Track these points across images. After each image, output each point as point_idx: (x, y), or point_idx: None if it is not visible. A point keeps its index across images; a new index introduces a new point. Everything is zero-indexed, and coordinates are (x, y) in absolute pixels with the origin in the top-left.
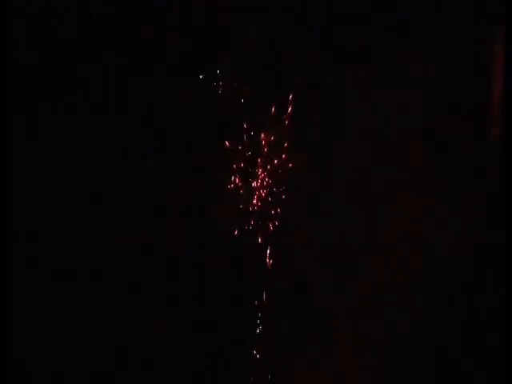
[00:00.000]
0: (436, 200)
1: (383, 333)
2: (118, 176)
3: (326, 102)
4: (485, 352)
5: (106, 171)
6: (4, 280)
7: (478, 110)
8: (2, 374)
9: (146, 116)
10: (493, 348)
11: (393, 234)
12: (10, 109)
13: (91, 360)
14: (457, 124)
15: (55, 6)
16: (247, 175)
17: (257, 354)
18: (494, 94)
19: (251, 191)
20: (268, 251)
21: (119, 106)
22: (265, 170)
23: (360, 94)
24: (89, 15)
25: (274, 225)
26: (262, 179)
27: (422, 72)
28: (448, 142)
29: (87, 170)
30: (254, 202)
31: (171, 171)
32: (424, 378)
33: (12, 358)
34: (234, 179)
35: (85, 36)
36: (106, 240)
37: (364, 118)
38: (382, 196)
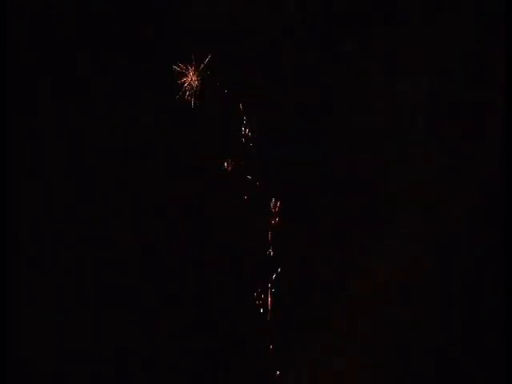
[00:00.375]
0: (436, 200)
1: (383, 332)
2: (117, 176)
3: (325, 102)
4: (485, 352)
5: (106, 171)
6: (4, 280)
7: (478, 110)
8: (1, 374)
9: (146, 116)
10: (493, 348)
11: (393, 233)
12: (9, 109)
13: (91, 360)
14: (457, 124)
15: (55, 6)
16: (245, 171)
17: (257, 353)
18: (494, 93)
19: (251, 187)
20: (268, 250)
21: (119, 105)
22: (263, 164)
23: (360, 94)
24: (89, 15)
25: (274, 221)
26: (261, 174)
27: (422, 72)
28: (448, 142)
29: (87, 170)
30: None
31: (171, 171)
32: (424, 377)
33: (12, 358)
34: (234, 174)
35: (85, 36)
36: (106, 240)
37: (364, 118)
38: (381, 197)
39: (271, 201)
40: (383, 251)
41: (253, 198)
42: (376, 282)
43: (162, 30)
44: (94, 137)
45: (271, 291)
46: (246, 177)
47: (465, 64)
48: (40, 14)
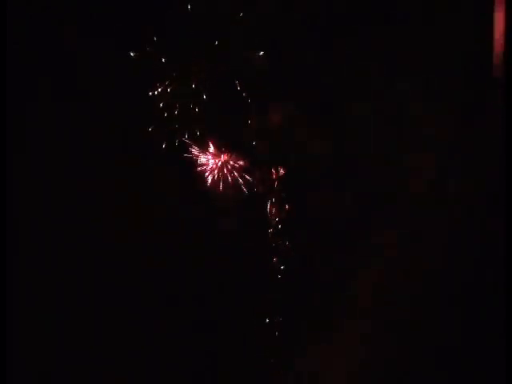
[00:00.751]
0: (436, 200)
1: (383, 332)
2: (118, 176)
3: (325, 102)
4: (485, 352)
5: (106, 171)
6: (4, 280)
7: (478, 110)
8: (1, 374)
9: (146, 116)
10: (493, 348)
11: (393, 233)
12: (9, 109)
13: (91, 360)
14: (457, 124)
15: (55, 6)
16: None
17: (257, 353)
18: (494, 93)
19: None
20: (268, 250)
21: (119, 106)
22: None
23: (360, 94)
24: (89, 15)
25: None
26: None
27: (422, 72)
28: (448, 141)
29: (87, 170)
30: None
31: (171, 170)
32: (424, 377)
33: (12, 358)
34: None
35: (85, 36)
36: (106, 240)
37: (364, 118)
38: (381, 197)
39: (271, 201)
40: (383, 251)
41: (253, 197)
42: (376, 282)
43: (162, 30)
44: (94, 137)
45: (271, 291)
46: (246, 176)
47: (465, 64)
48: (40, 14)
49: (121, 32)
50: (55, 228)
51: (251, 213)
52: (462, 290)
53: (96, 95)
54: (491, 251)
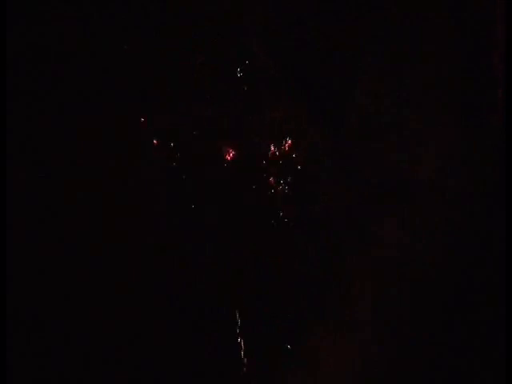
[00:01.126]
0: (435, 200)
1: (383, 333)
2: (119, 175)
3: (324, 101)
4: (485, 352)
5: (107, 170)
6: (4, 280)
7: (478, 110)
8: (1, 374)
9: (146, 116)
10: (493, 348)
11: (392, 233)
12: (9, 109)
13: (90, 360)
14: (457, 124)
15: (55, 6)
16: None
17: (256, 352)
18: (494, 93)
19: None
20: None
21: (120, 106)
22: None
23: (359, 94)
24: (89, 14)
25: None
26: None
27: (421, 71)
28: (448, 141)
29: (88, 170)
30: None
31: (172, 165)
32: (424, 377)
33: (12, 357)
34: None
35: (85, 35)
36: (105, 239)
37: (364, 118)
38: (381, 197)
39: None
40: (382, 251)
41: (252, 197)
42: (376, 282)
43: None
44: (95, 136)
45: (271, 291)
46: (247, 175)
47: (465, 64)
48: (40, 14)
49: (123, 30)
50: (55, 228)
51: (251, 212)
52: (462, 289)
53: (96, 95)
54: (491, 251)
